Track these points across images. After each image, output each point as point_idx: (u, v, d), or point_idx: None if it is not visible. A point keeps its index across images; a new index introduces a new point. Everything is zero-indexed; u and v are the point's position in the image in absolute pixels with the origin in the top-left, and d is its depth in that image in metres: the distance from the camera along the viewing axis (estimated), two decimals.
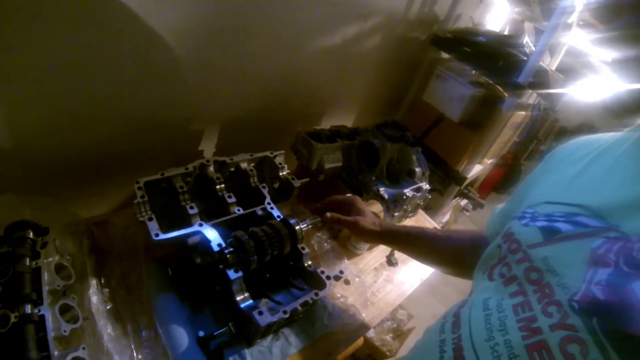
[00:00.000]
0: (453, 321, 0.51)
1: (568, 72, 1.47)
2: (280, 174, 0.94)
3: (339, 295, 0.90)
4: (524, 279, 0.45)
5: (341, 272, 0.80)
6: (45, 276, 0.61)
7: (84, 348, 0.56)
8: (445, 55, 1.61)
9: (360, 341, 0.86)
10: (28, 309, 0.55)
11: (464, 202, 2.23)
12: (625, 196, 0.42)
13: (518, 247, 0.48)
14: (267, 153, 0.94)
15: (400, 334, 1.64)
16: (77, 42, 0.70)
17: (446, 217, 2.23)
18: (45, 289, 0.59)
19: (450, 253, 0.79)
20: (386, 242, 0.86)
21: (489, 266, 0.53)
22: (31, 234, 0.65)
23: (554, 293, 0.41)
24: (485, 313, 0.46)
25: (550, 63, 1.47)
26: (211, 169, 0.85)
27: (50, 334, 0.54)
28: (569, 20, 1.15)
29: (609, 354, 0.34)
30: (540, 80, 1.27)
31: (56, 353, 0.53)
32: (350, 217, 0.83)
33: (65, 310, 0.60)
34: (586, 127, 2.93)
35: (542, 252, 0.45)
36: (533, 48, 1.35)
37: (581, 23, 1.18)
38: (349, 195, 0.88)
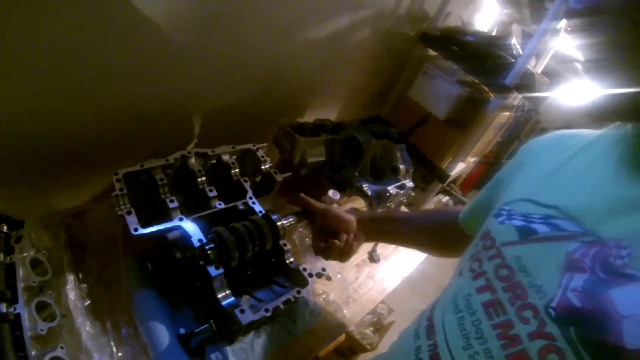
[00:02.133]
0: (427, 325, 0.50)
1: (552, 75, 1.49)
2: (263, 167, 0.92)
3: (320, 292, 0.91)
4: (492, 275, 0.45)
5: (323, 269, 0.80)
6: (21, 272, 0.59)
7: (62, 347, 0.54)
8: (433, 52, 1.61)
9: (342, 337, 0.87)
10: (3, 307, 0.53)
11: (445, 199, 2.25)
12: (602, 199, 0.41)
13: (492, 244, 0.48)
14: (250, 145, 0.92)
15: (380, 328, 1.65)
16: (62, 23, 0.67)
17: None
18: (21, 285, 0.57)
19: (425, 229, 0.81)
20: (364, 230, 0.82)
21: (464, 263, 0.53)
22: (5, 227, 0.63)
23: (526, 294, 0.40)
24: (457, 316, 0.46)
25: (536, 66, 1.49)
26: (192, 160, 0.83)
27: (27, 333, 0.53)
28: (557, 26, 1.16)
29: None
30: (527, 82, 1.29)
31: (34, 353, 0.52)
32: (322, 205, 0.82)
33: (41, 307, 0.58)
34: (567, 129, 2.99)
35: (515, 250, 0.44)
36: (520, 50, 1.37)
37: (569, 29, 1.20)
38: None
